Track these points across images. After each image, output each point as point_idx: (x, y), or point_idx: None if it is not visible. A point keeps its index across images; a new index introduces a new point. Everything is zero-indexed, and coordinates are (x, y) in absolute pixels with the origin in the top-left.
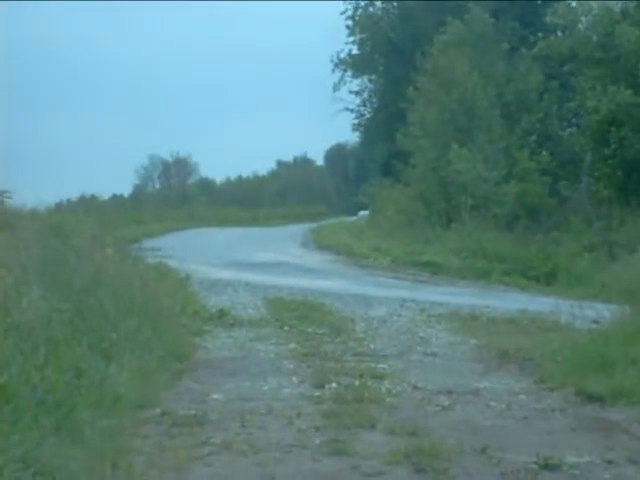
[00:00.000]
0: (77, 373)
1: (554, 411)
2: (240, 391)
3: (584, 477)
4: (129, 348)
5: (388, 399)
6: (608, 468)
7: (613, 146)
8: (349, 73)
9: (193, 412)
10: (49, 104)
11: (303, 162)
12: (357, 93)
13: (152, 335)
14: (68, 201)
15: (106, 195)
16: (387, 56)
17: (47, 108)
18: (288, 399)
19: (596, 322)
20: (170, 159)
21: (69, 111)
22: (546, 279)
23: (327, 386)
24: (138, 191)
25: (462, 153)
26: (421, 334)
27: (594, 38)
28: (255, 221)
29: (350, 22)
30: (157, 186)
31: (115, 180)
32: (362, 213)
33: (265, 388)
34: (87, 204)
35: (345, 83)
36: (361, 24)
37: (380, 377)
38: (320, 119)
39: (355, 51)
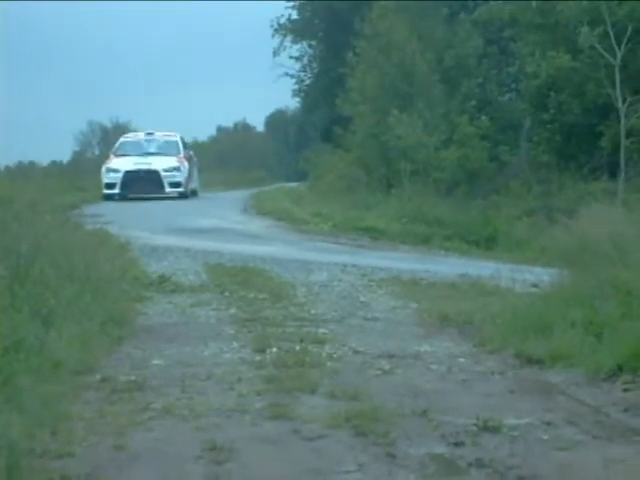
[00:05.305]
0: (16, 340)
1: (494, 374)
2: (181, 356)
3: (523, 438)
4: (69, 314)
5: (329, 363)
6: (547, 429)
7: (552, 111)
8: (289, 38)
9: (133, 378)
10: None
11: (243, 128)
12: (297, 59)
13: (92, 301)
14: (6, 168)
15: (45, 162)
16: (327, 21)
17: None
18: (229, 364)
19: (536, 286)
20: (109, 125)
21: (4, 76)
22: (486, 243)
23: (268, 351)
24: (77, 157)
25: (402, 118)
26: (362, 299)
27: (533, 4)
28: None
29: None
30: (97, 152)
31: (54, 146)
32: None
33: (206, 353)
34: (25, 171)
35: (285, 49)
36: None
37: (321, 342)
38: (261, 85)
39: (295, 16)
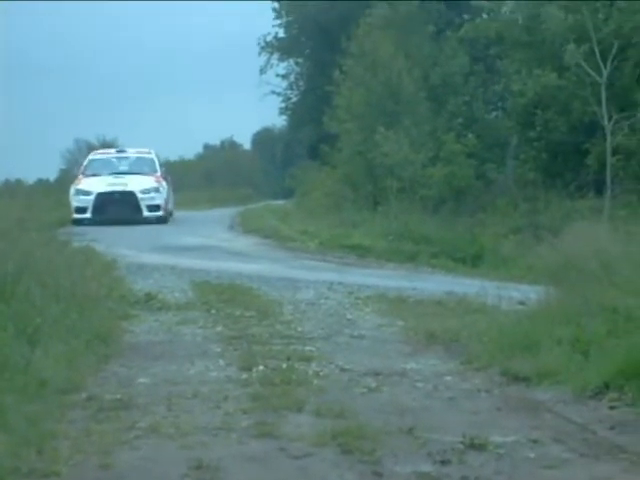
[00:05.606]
0: (1, 358)
1: (480, 391)
2: (167, 375)
3: (509, 456)
4: (55, 333)
5: (315, 381)
6: (533, 447)
7: (538, 129)
8: (276, 56)
9: (119, 396)
10: None
11: (230, 146)
12: (284, 76)
13: (78, 319)
14: None
15: (31, 180)
16: (314, 39)
17: None
18: (215, 382)
19: (522, 303)
20: (96, 143)
21: None
22: (472, 261)
23: (254, 369)
24: (64, 175)
25: (388, 136)
26: (349, 316)
27: (519, 21)
28: (181, 205)
29: (277, 5)
30: None
31: (40, 164)
32: None
33: (192, 372)
34: (12, 188)
35: (272, 66)
36: (288, 7)
37: (307, 359)
38: (247, 103)
39: (282, 34)
